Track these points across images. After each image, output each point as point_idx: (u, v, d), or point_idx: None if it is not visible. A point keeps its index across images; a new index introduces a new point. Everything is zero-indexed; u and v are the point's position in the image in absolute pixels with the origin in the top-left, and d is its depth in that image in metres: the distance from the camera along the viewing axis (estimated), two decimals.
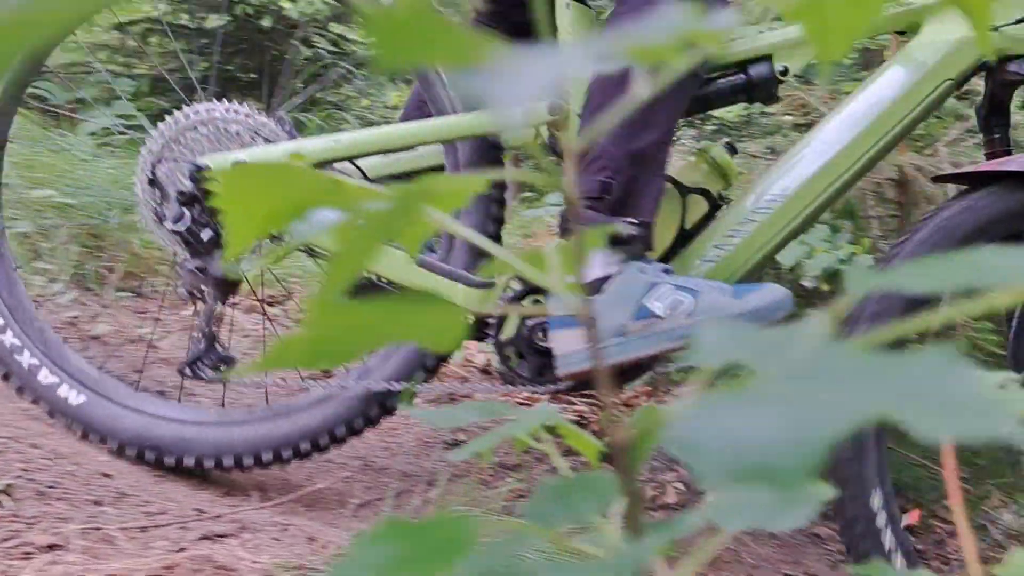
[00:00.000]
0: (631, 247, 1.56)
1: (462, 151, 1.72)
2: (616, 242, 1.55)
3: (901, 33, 1.81)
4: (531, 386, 1.63)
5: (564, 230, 1.64)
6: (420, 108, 1.91)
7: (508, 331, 1.64)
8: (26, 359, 1.75)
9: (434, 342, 0.41)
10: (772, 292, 1.51)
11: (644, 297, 1.52)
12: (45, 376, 1.75)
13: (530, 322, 1.62)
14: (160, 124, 1.70)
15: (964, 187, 1.68)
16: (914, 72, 1.68)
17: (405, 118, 1.93)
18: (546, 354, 1.61)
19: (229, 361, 1.69)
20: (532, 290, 1.64)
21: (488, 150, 1.73)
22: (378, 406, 1.70)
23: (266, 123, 1.71)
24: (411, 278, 1.66)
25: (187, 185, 1.64)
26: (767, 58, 1.72)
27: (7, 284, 1.80)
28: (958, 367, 0.28)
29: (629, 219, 1.56)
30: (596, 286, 1.54)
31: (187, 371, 1.68)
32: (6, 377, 1.76)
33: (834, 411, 0.27)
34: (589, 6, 1.77)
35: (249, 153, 1.64)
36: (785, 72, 1.72)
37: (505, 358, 1.64)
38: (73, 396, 1.74)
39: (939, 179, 1.78)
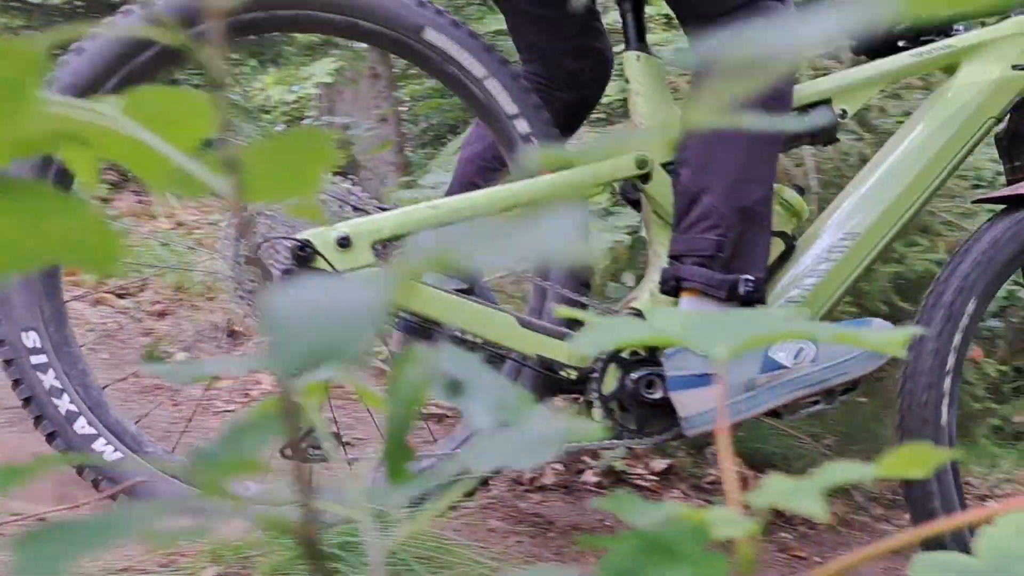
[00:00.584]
0: (746, 302, 1.61)
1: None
2: (731, 298, 1.61)
3: None
4: (636, 438, 1.68)
5: (668, 286, 1.67)
6: (475, 162, 1.90)
7: (609, 385, 1.67)
8: (64, 404, 1.63)
9: (85, 262, 0.36)
10: (881, 330, 1.60)
11: (768, 349, 1.58)
12: (82, 426, 1.63)
13: (635, 375, 1.66)
14: None
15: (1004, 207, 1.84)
16: (961, 112, 1.80)
17: (459, 177, 1.92)
18: (653, 406, 1.65)
19: (336, 440, 1.65)
20: None
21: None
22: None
23: (352, 190, 1.67)
24: (514, 338, 1.67)
25: (291, 262, 1.58)
26: (827, 102, 1.80)
27: (55, 320, 1.67)
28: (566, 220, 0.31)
29: (744, 276, 1.61)
30: None
31: (288, 452, 1.63)
32: (38, 421, 1.63)
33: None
34: (658, 57, 1.80)
35: (351, 225, 1.60)
36: (844, 115, 1.81)
37: (609, 411, 1.68)
38: (109, 452, 1.65)
39: (979, 201, 1.93)
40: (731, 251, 1.62)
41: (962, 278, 1.75)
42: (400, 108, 5.34)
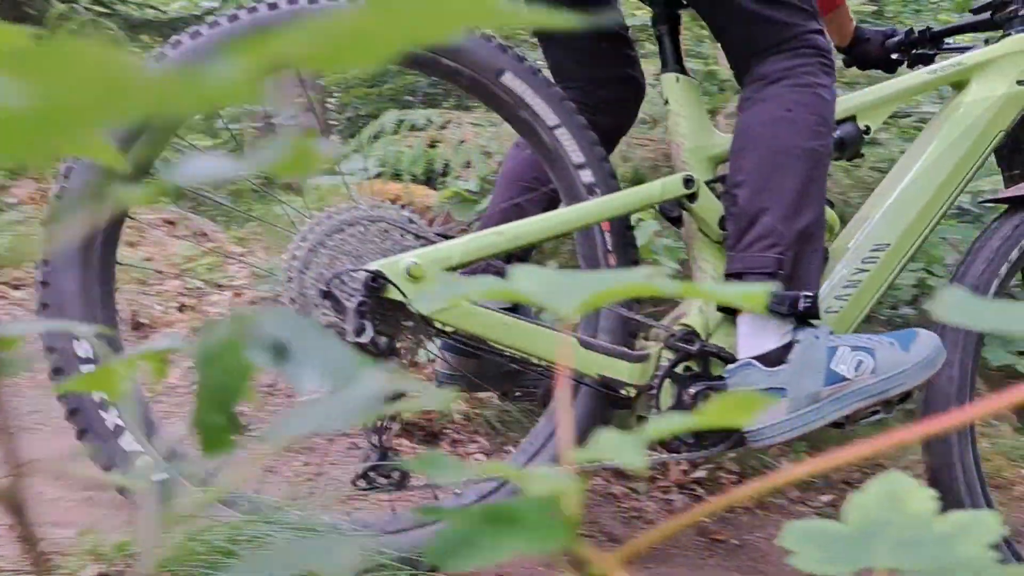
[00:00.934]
0: (804, 317, 1.67)
1: (597, 229, 1.75)
2: (792, 313, 1.66)
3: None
4: (693, 450, 1.73)
5: (722, 306, 1.72)
6: (517, 184, 1.91)
7: (666, 401, 1.72)
8: (112, 418, 1.56)
9: None
10: (929, 339, 1.69)
11: (830, 362, 1.64)
12: (129, 442, 1.56)
13: (692, 390, 1.70)
14: (302, 228, 1.60)
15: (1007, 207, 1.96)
16: (973, 128, 1.91)
17: (501, 198, 1.93)
18: None
19: (403, 471, 1.64)
20: (684, 358, 1.72)
21: (625, 226, 1.78)
22: None
23: (411, 217, 1.66)
24: (576, 359, 1.69)
25: (363, 293, 1.56)
26: (852, 118, 1.88)
27: (105, 320, 1.61)
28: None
29: (803, 293, 1.67)
30: (775, 356, 1.65)
31: (361, 481, 1.63)
32: (82, 434, 1.56)
33: None
34: (695, 79, 1.84)
35: (420, 254, 1.59)
36: (868, 130, 1.89)
37: None
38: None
39: (985, 202, 2.06)
40: (790, 269, 1.67)
41: None
42: (328, 98, 5.25)
